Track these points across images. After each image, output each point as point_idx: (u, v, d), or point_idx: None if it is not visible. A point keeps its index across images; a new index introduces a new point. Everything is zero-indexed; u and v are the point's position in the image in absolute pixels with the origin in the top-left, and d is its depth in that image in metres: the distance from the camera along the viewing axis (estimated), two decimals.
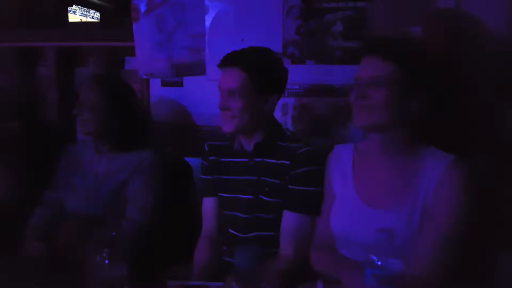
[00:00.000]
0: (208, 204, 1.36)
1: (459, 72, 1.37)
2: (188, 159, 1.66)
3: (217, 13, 1.67)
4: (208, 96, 1.54)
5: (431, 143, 1.12)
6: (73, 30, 2.09)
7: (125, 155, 1.45)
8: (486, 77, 1.36)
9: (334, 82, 1.57)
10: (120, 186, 1.43)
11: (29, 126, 1.89)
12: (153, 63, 1.73)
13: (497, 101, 1.36)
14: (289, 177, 1.22)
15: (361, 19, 1.52)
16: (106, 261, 0.90)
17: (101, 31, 1.94)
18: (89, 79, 1.50)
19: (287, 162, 1.23)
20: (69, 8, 2.49)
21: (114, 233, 1.00)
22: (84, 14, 2.67)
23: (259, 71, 1.23)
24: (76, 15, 2.59)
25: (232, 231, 1.30)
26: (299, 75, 1.57)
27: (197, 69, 1.70)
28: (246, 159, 1.29)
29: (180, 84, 1.77)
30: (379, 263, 0.82)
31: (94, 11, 2.77)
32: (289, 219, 1.22)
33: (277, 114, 1.41)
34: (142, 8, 1.72)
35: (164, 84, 1.78)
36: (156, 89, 1.79)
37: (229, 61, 1.24)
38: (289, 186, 1.22)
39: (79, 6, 2.60)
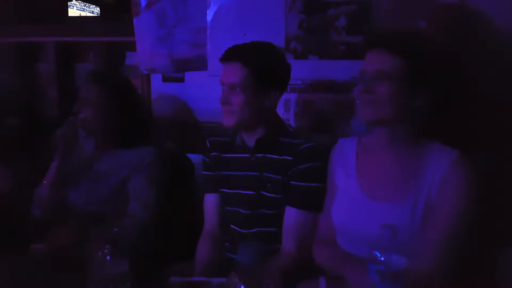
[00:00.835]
0: (210, 200, 1.36)
1: (464, 67, 1.36)
2: (189, 155, 1.65)
3: (219, 7, 1.66)
4: (210, 91, 1.53)
5: (436, 138, 1.11)
6: (74, 24, 2.08)
7: (126, 152, 1.44)
8: (491, 73, 1.35)
9: (337, 78, 1.56)
10: (121, 183, 1.42)
11: (29, 122, 1.88)
12: (154, 58, 1.72)
13: (503, 97, 1.35)
14: (291, 173, 1.22)
15: (364, 13, 1.51)
16: (108, 258, 0.90)
17: (102, 26, 1.93)
18: (89, 75, 1.49)
19: (289, 158, 1.22)
20: (68, 3, 2.48)
21: (115, 230, 1.00)
22: (83, 9, 2.65)
23: (261, 66, 1.22)
24: (74, 9, 2.56)
25: (234, 227, 1.30)
26: (301, 70, 1.55)
27: (199, 64, 1.69)
28: (248, 155, 1.29)
29: (182, 80, 1.76)
30: (383, 259, 0.81)
31: (94, 5, 2.76)
32: (291, 215, 1.22)
33: (280, 110, 1.40)
34: (143, 2, 1.71)
35: (165, 79, 1.78)
36: (157, 84, 1.79)
37: (231, 55, 1.23)
38: (291, 182, 1.22)
39: (78, 1, 2.58)
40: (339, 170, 1.18)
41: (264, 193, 1.26)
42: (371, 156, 1.15)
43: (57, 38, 1.92)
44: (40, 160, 1.63)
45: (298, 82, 1.60)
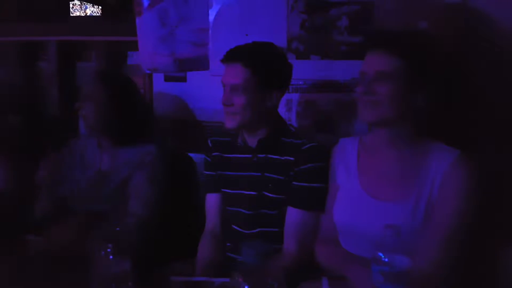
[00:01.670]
0: (212, 200, 1.36)
1: (465, 67, 1.36)
2: (191, 154, 1.65)
3: (221, 7, 1.65)
4: (212, 91, 1.53)
5: (437, 138, 1.11)
6: (75, 24, 2.07)
7: (128, 151, 1.44)
8: (492, 73, 1.35)
9: (339, 78, 1.56)
10: (123, 182, 1.42)
11: (31, 121, 1.88)
12: (156, 57, 1.72)
13: (504, 98, 1.35)
14: (294, 173, 1.22)
15: (366, 14, 1.50)
16: (111, 257, 0.89)
17: (104, 25, 1.93)
18: (93, 74, 1.49)
19: (291, 158, 1.22)
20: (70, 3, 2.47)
21: (118, 229, 1.00)
22: (84, 8, 2.65)
23: (263, 66, 1.22)
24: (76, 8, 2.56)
25: (236, 227, 1.30)
26: (303, 70, 1.55)
27: (201, 64, 1.69)
28: (250, 155, 1.28)
29: (183, 79, 1.76)
30: (386, 259, 0.81)
31: (96, 5, 2.75)
32: (293, 216, 1.22)
33: (281, 110, 1.40)
34: (145, 2, 1.70)
35: (167, 79, 1.77)
36: (159, 84, 1.78)
37: (233, 56, 1.23)
38: (294, 183, 1.22)
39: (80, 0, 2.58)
40: (341, 169, 1.18)
41: (266, 193, 1.25)
42: (372, 156, 1.15)
43: (59, 37, 1.92)
44: (42, 159, 1.63)
45: (300, 83, 1.60)
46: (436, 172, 1.05)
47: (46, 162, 1.51)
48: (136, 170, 1.42)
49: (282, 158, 1.24)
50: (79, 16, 2.30)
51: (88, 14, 2.40)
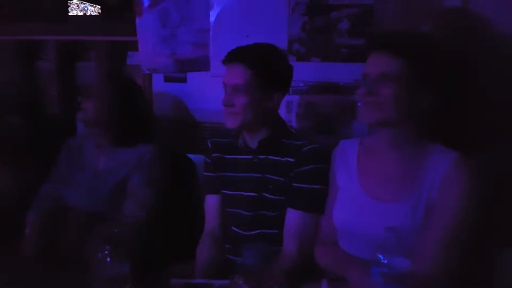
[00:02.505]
0: (211, 201, 1.35)
1: (467, 69, 1.36)
2: (191, 155, 1.64)
3: (222, 8, 1.65)
4: (212, 92, 1.53)
5: (437, 140, 1.11)
6: (75, 23, 2.07)
7: (125, 151, 1.43)
8: (494, 75, 1.35)
9: (339, 80, 1.56)
10: (120, 182, 1.41)
11: (30, 120, 1.87)
12: (156, 58, 1.72)
13: (505, 99, 1.35)
14: (294, 175, 1.21)
15: (367, 17, 1.51)
16: (108, 259, 0.89)
17: (103, 25, 1.92)
18: (97, 72, 1.49)
19: (292, 160, 1.22)
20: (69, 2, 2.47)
21: (116, 230, 0.99)
22: (84, 8, 2.64)
23: (264, 68, 1.22)
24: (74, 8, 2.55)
25: (235, 229, 1.29)
26: (304, 72, 1.55)
27: (201, 65, 1.69)
28: (250, 156, 1.28)
29: (184, 80, 1.76)
30: (386, 261, 0.81)
31: (95, 5, 2.74)
32: (293, 217, 1.21)
33: (282, 112, 1.40)
34: (146, 2, 1.70)
35: (167, 79, 1.77)
36: (159, 84, 1.78)
37: (234, 57, 1.23)
38: (294, 184, 1.21)
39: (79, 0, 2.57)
40: (341, 171, 1.18)
41: (266, 195, 1.25)
42: (373, 156, 1.15)
43: (58, 37, 1.91)
44: (41, 158, 1.63)
45: (301, 84, 1.60)
46: (435, 173, 1.05)
47: None
48: (133, 171, 1.41)
49: (283, 159, 1.24)
50: (79, 16, 2.29)
51: (88, 14, 2.40)
